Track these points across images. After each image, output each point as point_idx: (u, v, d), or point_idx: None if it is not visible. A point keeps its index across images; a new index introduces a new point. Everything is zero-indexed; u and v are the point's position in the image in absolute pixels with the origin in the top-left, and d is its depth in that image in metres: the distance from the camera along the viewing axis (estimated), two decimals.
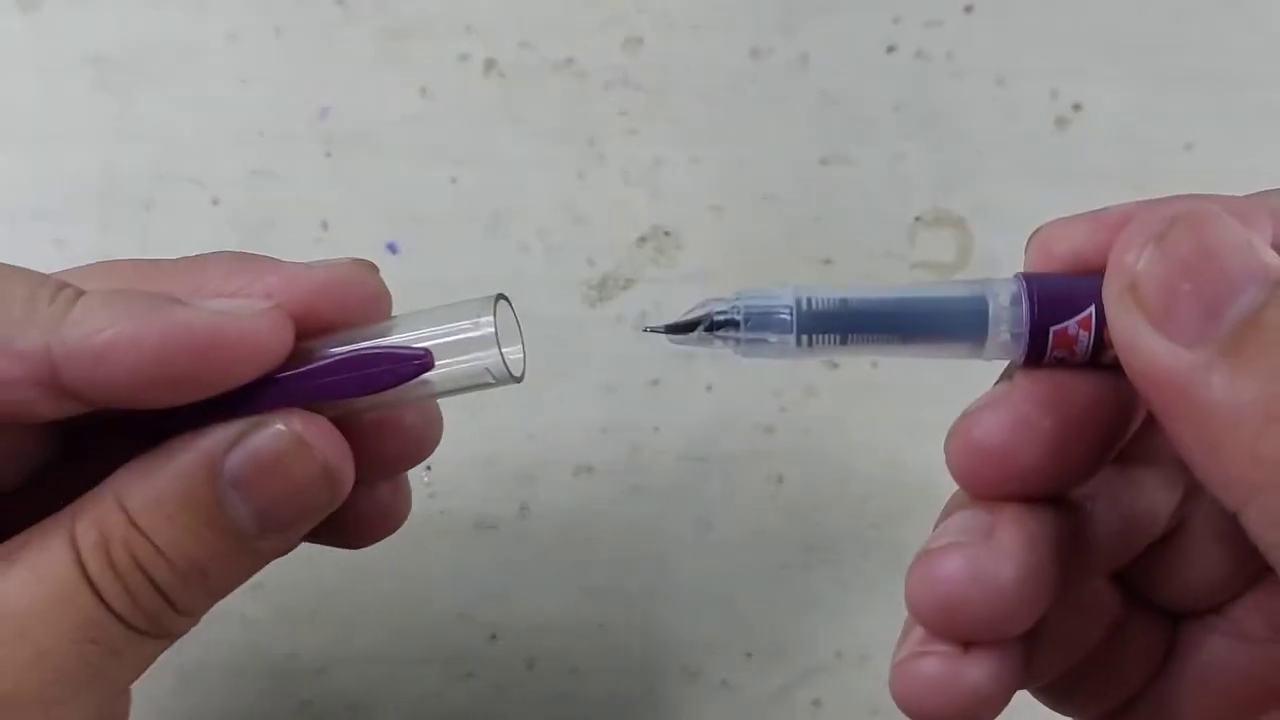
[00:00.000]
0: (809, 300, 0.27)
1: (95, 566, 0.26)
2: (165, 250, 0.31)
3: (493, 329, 0.27)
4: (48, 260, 0.28)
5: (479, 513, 0.46)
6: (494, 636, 0.46)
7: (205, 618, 0.28)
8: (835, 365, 0.46)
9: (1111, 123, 0.47)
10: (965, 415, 0.28)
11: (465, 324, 0.28)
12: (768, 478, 0.46)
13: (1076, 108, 0.48)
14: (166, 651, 0.28)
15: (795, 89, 0.48)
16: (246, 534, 0.27)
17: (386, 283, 0.30)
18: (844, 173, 0.47)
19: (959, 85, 0.48)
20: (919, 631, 0.27)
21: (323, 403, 0.28)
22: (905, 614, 0.28)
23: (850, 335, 0.27)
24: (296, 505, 0.27)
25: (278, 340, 0.27)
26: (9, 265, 0.27)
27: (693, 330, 0.28)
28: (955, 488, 0.28)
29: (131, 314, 0.26)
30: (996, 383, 0.29)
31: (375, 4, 0.48)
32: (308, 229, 0.47)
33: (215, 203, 0.47)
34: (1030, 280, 0.27)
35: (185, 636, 0.28)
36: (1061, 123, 0.47)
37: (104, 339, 0.25)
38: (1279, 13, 0.48)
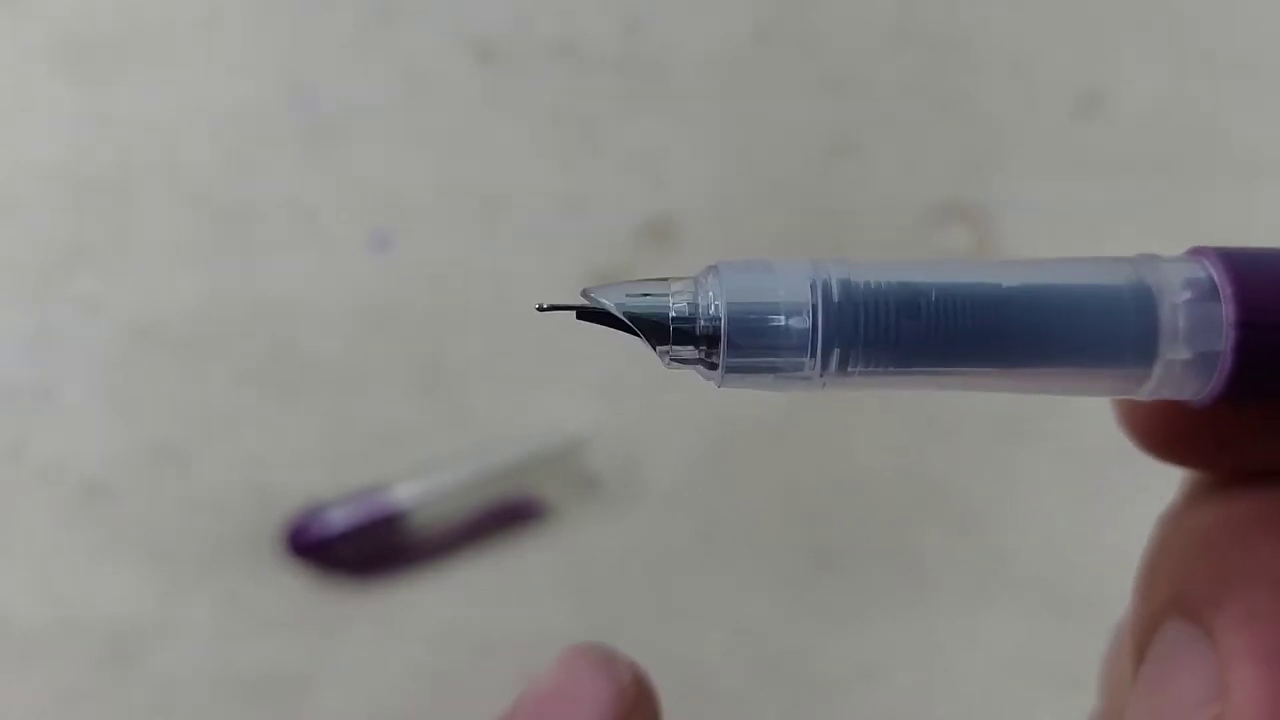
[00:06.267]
0: (845, 285, 0.16)
1: None
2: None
3: None
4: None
5: None
6: (486, 648, 0.45)
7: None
8: None
9: (1138, 110, 0.47)
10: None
11: None
12: (775, 482, 0.45)
13: (1101, 94, 0.47)
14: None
15: (802, 72, 0.47)
16: None
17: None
18: (854, 161, 0.46)
19: (976, 69, 0.47)
20: None
21: None
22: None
23: (916, 355, 0.16)
24: None
25: None
26: None
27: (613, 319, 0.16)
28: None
29: None
30: None
31: None
32: (290, 220, 0.46)
33: (192, 193, 0.46)
34: (1232, 260, 0.16)
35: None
36: (1085, 110, 0.47)
37: None
38: None
